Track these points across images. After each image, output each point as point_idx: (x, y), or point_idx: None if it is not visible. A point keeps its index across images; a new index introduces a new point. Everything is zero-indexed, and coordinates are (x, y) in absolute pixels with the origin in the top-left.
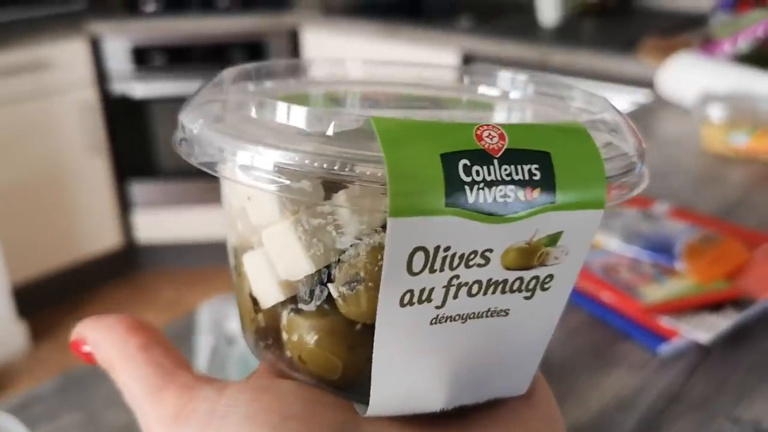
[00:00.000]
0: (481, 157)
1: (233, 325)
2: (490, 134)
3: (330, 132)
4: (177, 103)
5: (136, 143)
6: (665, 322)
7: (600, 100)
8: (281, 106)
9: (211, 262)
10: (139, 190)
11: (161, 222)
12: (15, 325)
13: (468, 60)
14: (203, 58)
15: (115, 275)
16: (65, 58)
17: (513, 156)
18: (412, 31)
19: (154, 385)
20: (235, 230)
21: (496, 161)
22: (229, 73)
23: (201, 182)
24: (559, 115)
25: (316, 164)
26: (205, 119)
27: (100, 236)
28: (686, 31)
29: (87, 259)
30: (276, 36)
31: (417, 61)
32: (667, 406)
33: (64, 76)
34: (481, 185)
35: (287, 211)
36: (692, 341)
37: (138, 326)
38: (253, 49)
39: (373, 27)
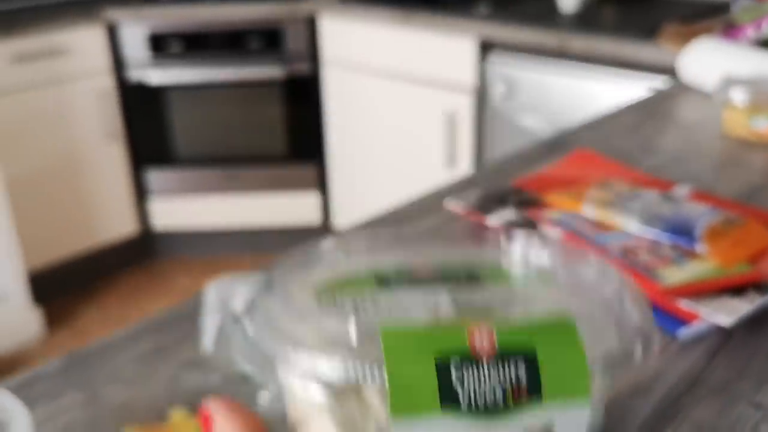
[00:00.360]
0: (472, 361)
1: (239, 304)
2: (481, 337)
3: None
4: (194, 90)
5: (153, 130)
6: (685, 305)
7: (611, 272)
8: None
9: (227, 251)
10: (155, 177)
11: (177, 210)
12: (30, 311)
13: (486, 47)
14: (220, 45)
15: (131, 263)
16: (82, 45)
17: (501, 359)
18: (430, 18)
19: None
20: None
21: (485, 365)
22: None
23: (217, 170)
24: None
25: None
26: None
27: (116, 224)
28: (708, 17)
29: (103, 246)
30: (293, 23)
31: (433, 49)
32: (686, 391)
33: (81, 63)
34: (472, 387)
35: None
36: (713, 325)
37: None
38: (270, 36)
39: (390, 13)
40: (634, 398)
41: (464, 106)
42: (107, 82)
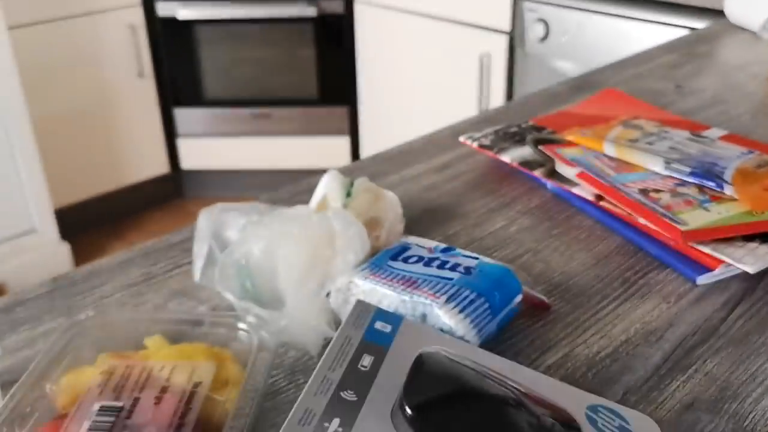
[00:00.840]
0: None
1: (229, 233)
2: None
3: None
4: (224, 26)
5: (183, 69)
6: (708, 250)
7: None
8: None
9: (254, 191)
10: (185, 116)
11: (206, 150)
12: (58, 245)
13: None
14: None
15: (159, 202)
16: None
17: None
18: None
19: None
20: None
21: None
22: None
23: (247, 111)
24: None
25: None
26: None
27: (145, 162)
28: None
29: (132, 184)
30: None
31: None
32: (702, 341)
33: None
34: None
35: None
36: (736, 272)
37: None
38: None
39: None
40: (643, 344)
41: (499, 49)
42: (137, 17)
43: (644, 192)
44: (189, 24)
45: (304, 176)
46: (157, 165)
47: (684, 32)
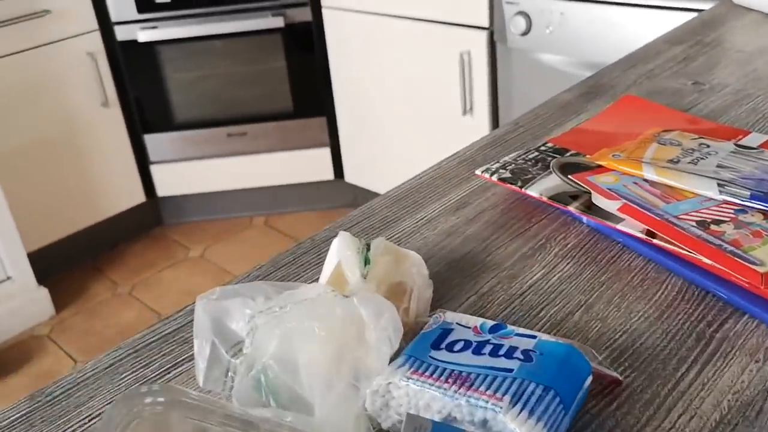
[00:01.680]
0: None
1: (233, 325)
2: None
3: None
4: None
5: (150, 94)
6: None
7: None
8: None
9: (238, 212)
10: (156, 142)
11: (183, 174)
12: (36, 292)
13: None
14: (210, 0)
15: (139, 232)
16: (64, 5)
17: None
18: None
19: None
20: None
21: None
22: None
23: (221, 131)
24: None
25: None
26: None
27: (119, 194)
28: None
29: (107, 217)
30: None
31: None
32: None
33: (66, 24)
34: None
35: None
36: None
37: None
38: None
39: None
40: (742, 424)
41: (479, 45)
42: (95, 43)
43: (703, 225)
44: (151, 46)
45: (287, 191)
46: (132, 195)
47: (674, 14)
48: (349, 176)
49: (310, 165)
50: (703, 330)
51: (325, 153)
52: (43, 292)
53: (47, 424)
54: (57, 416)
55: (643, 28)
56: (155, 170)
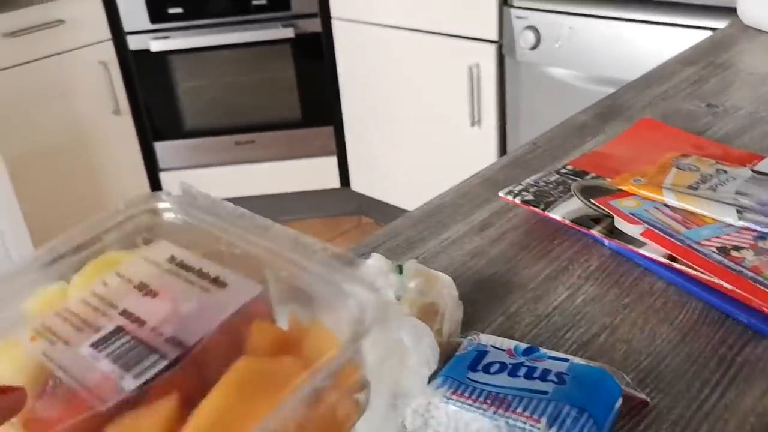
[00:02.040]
0: None
1: None
2: None
3: None
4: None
5: (161, 102)
6: None
7: None
8: None
9: None
10: (166, 150)
11: (192, 182)
12: None
13: None
14: (223, 5)
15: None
16: (78, 14)
17: None
18: None
19: None
20: None
21: None
22: None
23: (231, 139)
24: None
25: None
26: None
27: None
28: None
29: None
30: None
31: None
32: None
33: (78, 33)
34: None
35: None
36: None
37: None
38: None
39: None
40: None
41: (488, 59)
42: (108, 52)
43: (723, 251)
44: (162, 55)
45: (293, 199)
46: None
47: (683, 31)
48: (355, 185)
49: (316, 173)
50: (725, 353)
51: (332, 161)
52: None
53: None
54: None
55: (652, 44)
56: (165, 177)
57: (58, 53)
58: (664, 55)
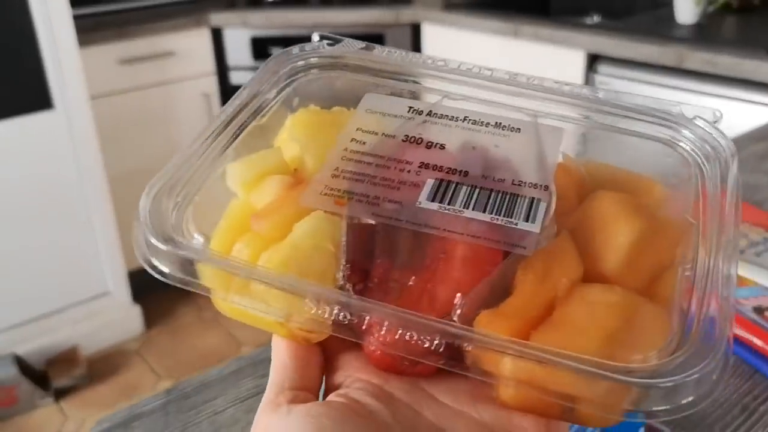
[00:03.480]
0: None
1: None
2: None
3: None
4: None
5: None
6: None
7: None
8: None
9: None
10: None
11: None
12: (131, 308)
13: (595, 59)
14: None
15: None
16: (187, 48)
17: None
18: (536, 29)
19: (266, 397)
20: None
21: None
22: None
23: None
24: None
25: None
26: None
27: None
28: None
29: None
30: (395, 29)
31: (539, 61)
32: None
33: (186, 65)
34: None
35: None
36: None
37: (297, 347)
38: (371, 41)
39: (495, 23)
40: None
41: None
42: (211, 85)
43: (759, 311)
44: None
45: None
46: None
47: (756, 108)
48: None
49: None
50: (749, 403)
51: None
52: (137, 310)
53: (179, 413)
54: (188, 408)
55: (732, 120)
56: None
57: (166, 83)
58: (736, 130)
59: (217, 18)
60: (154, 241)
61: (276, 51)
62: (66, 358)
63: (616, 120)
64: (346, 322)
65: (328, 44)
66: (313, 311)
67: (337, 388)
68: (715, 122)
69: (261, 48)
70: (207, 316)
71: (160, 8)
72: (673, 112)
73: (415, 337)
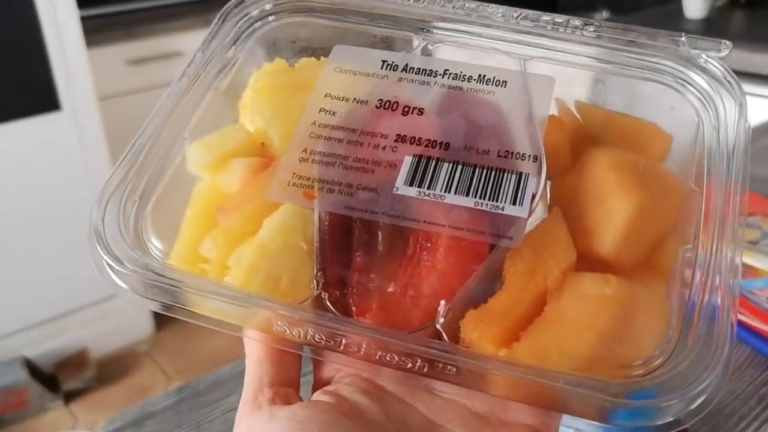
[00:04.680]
0: None
1: None
2: None
3: None
4: None
5: None
6: None
7: None
8: None
9: None
10: None
11: None
12: (140, 310)
13: None
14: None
15: None
16: (195, 48)
17: None
18: None
19: (244, 397)
20: None
21: None
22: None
23: None
24: None
25: None
26: None
27: None
28: None
29: None
30: None
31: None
32: None
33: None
34: None
35: None
36: None
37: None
38: None
39: None
40: None
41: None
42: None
43: None
44: None
45: None
46: None
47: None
48: None
49: None
50: (765, 393)
51: None
52: (146, 311)
53: (192, 411)
54: (201, 406)
55: None
56: None
57: (169, 84)
58: (754, 124)
59: None
60: (109, 262)
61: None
62: (75, 361)
63: (619, 58)
64: (322, 344)
65: None
66: (285, 333)
67: (326, 382)
68: (722, 57)
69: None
70: None
71: (168, 8)
72: (679, 49)
73: (395, 360)
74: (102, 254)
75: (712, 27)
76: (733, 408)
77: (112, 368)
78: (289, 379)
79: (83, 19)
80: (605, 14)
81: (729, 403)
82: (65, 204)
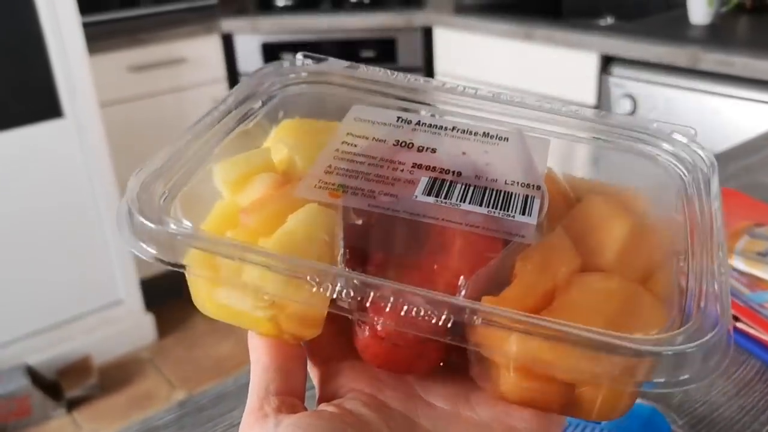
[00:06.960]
0: None
1: None
2: None
3: None
4: None
5: None
6: None
7: None
8: None
9: None
10: None
11: None
12: (143, 316)
13: (609, 61)
14: (333, 55)
15: None
16: (198, 55)
17: None
18: (548, 32)
19: (249, 405)
20: None
21: None
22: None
23: None
24: None
25: None
26: None
27: None
28: None
29: None
30: (407, 33)
31: (552, 64)
32: None
33: (197, 72)
34: None
35: None
36: None
37: (278, 347)
38: (383, 46)
39: (507, 27)
40: None
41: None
42: (222, 92)
43: None
44: None
45: None
46: None
47: None
48: None
49: None
50: None
51: None
52: (149, 318)
53: (195, 427)
54: (203, 421)
55: (749, 121)
56: None
57: (176, 90)
58: (751, 131)
59: (228, 24)
60: (142, 219)
61: (286, 56)
62: (78, 368)
63: (598, 134)
64: (350, 301)
65: (313, 62)
66: (314, 290)
67: (330, 398)
68: (691, 141)
69: (272, 54)
70: (220, 324)
71: (170, 15)
72: (650, 128)
73: (422, 312)
74: (134, 212)
75: (717, 33)
76: (743, 424)
77: (115, 376)
78: (295, 388)
79: (85, 25)
80: (610, 20)
81: (740, 418)
82: (68, 211)
